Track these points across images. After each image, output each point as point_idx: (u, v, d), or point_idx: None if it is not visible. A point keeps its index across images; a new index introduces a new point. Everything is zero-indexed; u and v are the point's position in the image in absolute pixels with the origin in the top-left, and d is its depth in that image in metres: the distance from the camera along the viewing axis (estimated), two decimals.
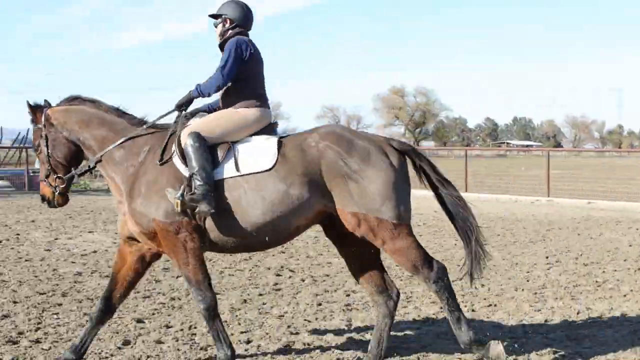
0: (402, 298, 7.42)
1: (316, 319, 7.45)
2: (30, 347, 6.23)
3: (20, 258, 11.00)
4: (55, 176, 6.06)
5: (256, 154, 5.69)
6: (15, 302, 7.82)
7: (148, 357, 6.03)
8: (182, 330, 6.90)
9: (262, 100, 5.97)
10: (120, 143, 5.93)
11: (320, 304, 8.11)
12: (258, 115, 5.89)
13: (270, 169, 5.61)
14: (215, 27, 6.13)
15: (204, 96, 5.93)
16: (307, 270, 10.28)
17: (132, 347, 6.34)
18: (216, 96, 6.12)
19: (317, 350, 6.30)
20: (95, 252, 11.74)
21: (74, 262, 10.72)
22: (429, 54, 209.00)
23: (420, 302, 8.17)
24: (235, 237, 5.66)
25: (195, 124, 5.87)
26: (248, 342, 6.53)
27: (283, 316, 7.55)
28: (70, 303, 7.95)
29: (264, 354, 6.21)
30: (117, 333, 6.73)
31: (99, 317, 5.87)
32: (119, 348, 6.27)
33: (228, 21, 6.07)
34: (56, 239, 13.33)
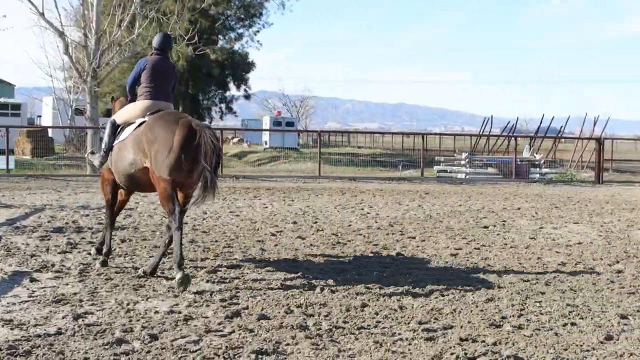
0: None
1: None
2: (512, 332, 6.38)
3: (506, 244, 11.40)
4: None
5: (127, 130, 8.59)
6: (500, 287, 8.13)
7: (631, 354, 5.79)
8: None
9: (152, 95, 8.79)
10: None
11: None
12: (146, 104, 8.76)
13: (125, 139, 8.51)
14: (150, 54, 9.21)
15: (128, 95, 9.34)
16: None
17: (614, 342, 6.15)
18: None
19: None
20: (579, 243, 11.63)
21: (558, 252, 10.76)
22: None
23: None
24: (126, 180, 8.63)
25: (117, 113, 9.17)
26: None
27: None
28: (553, 293, 7.97)
29: None
30: (600, 327, 6.59)
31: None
32: (601, 342, 6.13)
33: (153, 48, 9.13)
34: (541, 227, 13.53)
